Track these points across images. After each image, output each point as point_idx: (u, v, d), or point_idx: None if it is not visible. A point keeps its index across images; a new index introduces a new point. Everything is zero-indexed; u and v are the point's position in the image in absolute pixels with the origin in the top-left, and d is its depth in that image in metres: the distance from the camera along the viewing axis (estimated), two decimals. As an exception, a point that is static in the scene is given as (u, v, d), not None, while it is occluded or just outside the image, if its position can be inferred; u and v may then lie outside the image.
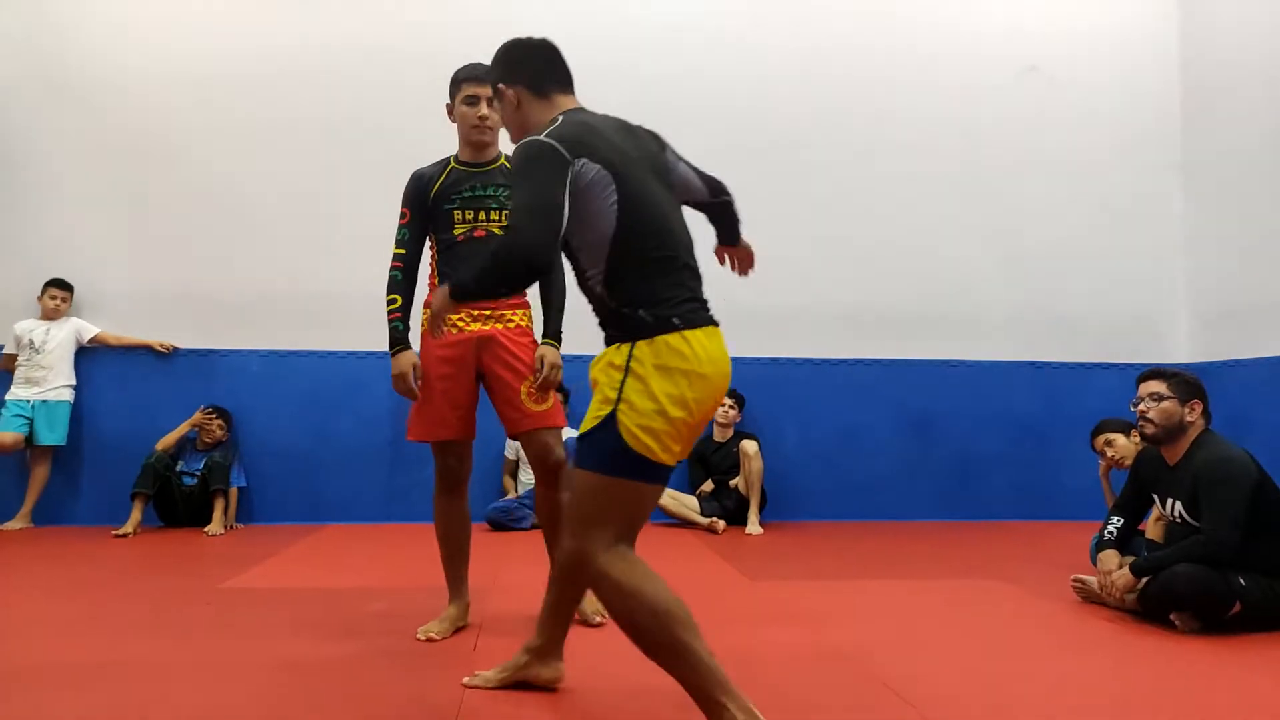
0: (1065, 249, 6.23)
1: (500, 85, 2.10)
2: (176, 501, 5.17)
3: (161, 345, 5.50)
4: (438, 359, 2.79)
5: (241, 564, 4.00)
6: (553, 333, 2.86)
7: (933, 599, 3.48)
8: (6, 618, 2.99)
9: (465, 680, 2.28)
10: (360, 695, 2.22)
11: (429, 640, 2.71)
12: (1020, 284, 6.19)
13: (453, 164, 2.90)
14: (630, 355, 1.84)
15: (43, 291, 5.32)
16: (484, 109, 2.79)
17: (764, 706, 2.14)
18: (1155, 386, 3.15)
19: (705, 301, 1.98)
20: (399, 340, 2.78)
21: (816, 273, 6.02)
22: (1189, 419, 3.11)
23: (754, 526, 5.27)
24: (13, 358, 5.30)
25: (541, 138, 1.88)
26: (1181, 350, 6.18)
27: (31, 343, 5.26)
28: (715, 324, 1.95)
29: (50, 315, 5.33)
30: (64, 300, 5.37)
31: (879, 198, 6.11)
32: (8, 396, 5.20)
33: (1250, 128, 5.77)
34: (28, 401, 5.19)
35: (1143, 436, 3.24)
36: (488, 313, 2.83)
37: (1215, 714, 2.18)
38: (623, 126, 2.06)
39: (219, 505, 5.09)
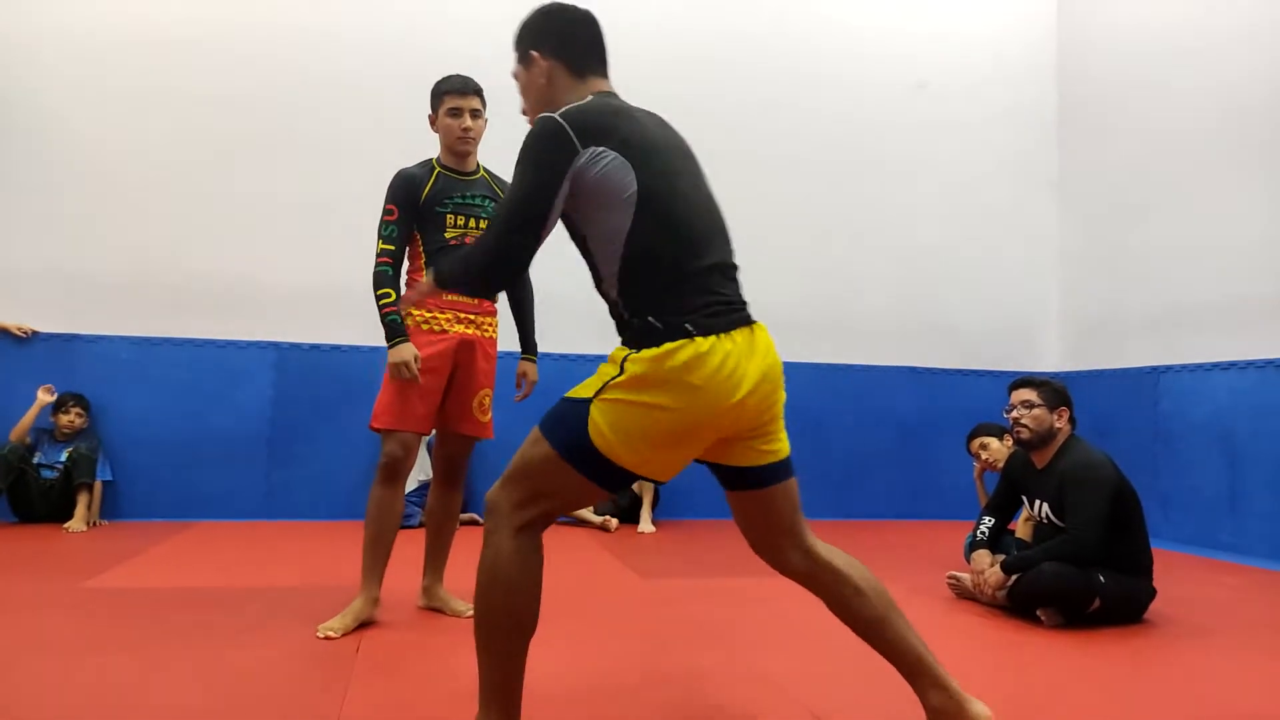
0: (948, 258, 6.51)
1: (533, 53, 1.90)
2: (33, 496, 4.82)
3: (18, 328, 5.12)
4: (423, 356, 2.86)
5: (106, 562, 3.76)
6: (532, 347, 3.11)
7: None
8: None
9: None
10: (232, 703, 2.11)
11: (327, 638, 2.65)
12: (904, 293, 6.43)
13: (438, 169, 2.99)
14: (628, 357, 1.71)
15: None
16: (467, 121, 2.93)
17: (644, 706, 2.15)
18: (1026, 394, 3.32)
19: (738, 302, 1.83)
20: (398, 333, 2.82)
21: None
22: (1057, 425, 3.29)
23: (646, 525, 5.30)
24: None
25: (554, 115, 1.73)
26: (1052, 359, 6.54)
27: None
28: (748, 324, 1.79)
29: None
30: None
31: (767, 201, 6.22)
32: None
33: (1121, 148, 6.15)
34: None
35: (1017, 441, 3.40)
36: (472, 317, 2.97)
37: (1076, 702, 2.30)
38: (657, 117, 1.93)
39: (82, 500, 4.78)
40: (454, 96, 2.92)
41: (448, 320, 2.92)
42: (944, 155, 6.56)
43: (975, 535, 3.51)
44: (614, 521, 5.29)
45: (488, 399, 3.01)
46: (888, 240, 6.44)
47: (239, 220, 5.40)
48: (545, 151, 1.71)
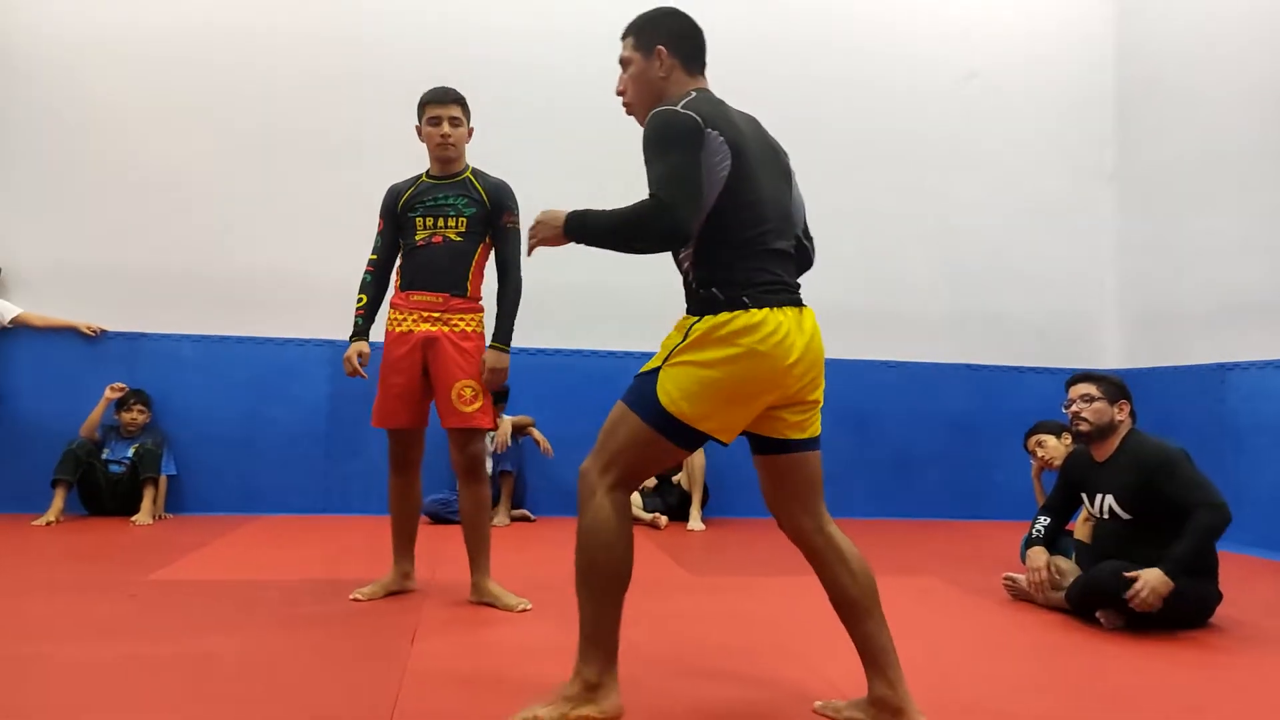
0: (1002, 253, 6.39)
1: (660, 47, 2.09)
2: (102, 489, 4.99)
3: (89, 328, 5.30)
4: (394, 357, 3.09)
5: (170, 555, 3.88)
6: (501, 336, 3.12)
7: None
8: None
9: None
10: (291, 692, 2.17)
11: (354, 601, 3.06)
12: (958, 287, 6.33)
13: (423, 178, 3.20)
14: (692, 326, 1.94)
15: None
16: (446, 128, 3.10)
17: (699, 699, 2.15)
18: (1085, 389, 3.27)
19: (791, 285, 2.02)
20: (357, 333, 3.15)
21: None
22: (1118, 418, 3.23)
23: (696, 522, 5.29)
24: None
25: (680, 108, 1.93)
26: (1111, 355, 6.39)
27: None
28: (797, 305, 1.99)
29: None
30: None
31: (819, 198, 6.12)
32: None
33: (1183, 138, 5.97)
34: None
35: (1077, 435, 3.34)
36: (437, 315, 3.08)
37: (1137, 707, 2.25)
38: (751, 117, 2.15)
39: (148, 494, 4.93)
40: (434, 106, 3.11)
41: (414, 320, 3.09)
42: (997, 146, 6.44)
43: (1031, 534, 3.44)
44: (663, 519, 5.30)
45: (468, 389, 3.06)
46: (939, 233, 6.34)
47: (296, 220, 5.52)
48: (688, 130, 1.90)
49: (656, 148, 1.91)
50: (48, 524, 4.66)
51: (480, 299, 3.20)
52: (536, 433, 5.46)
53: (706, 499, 5.47)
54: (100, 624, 2.72)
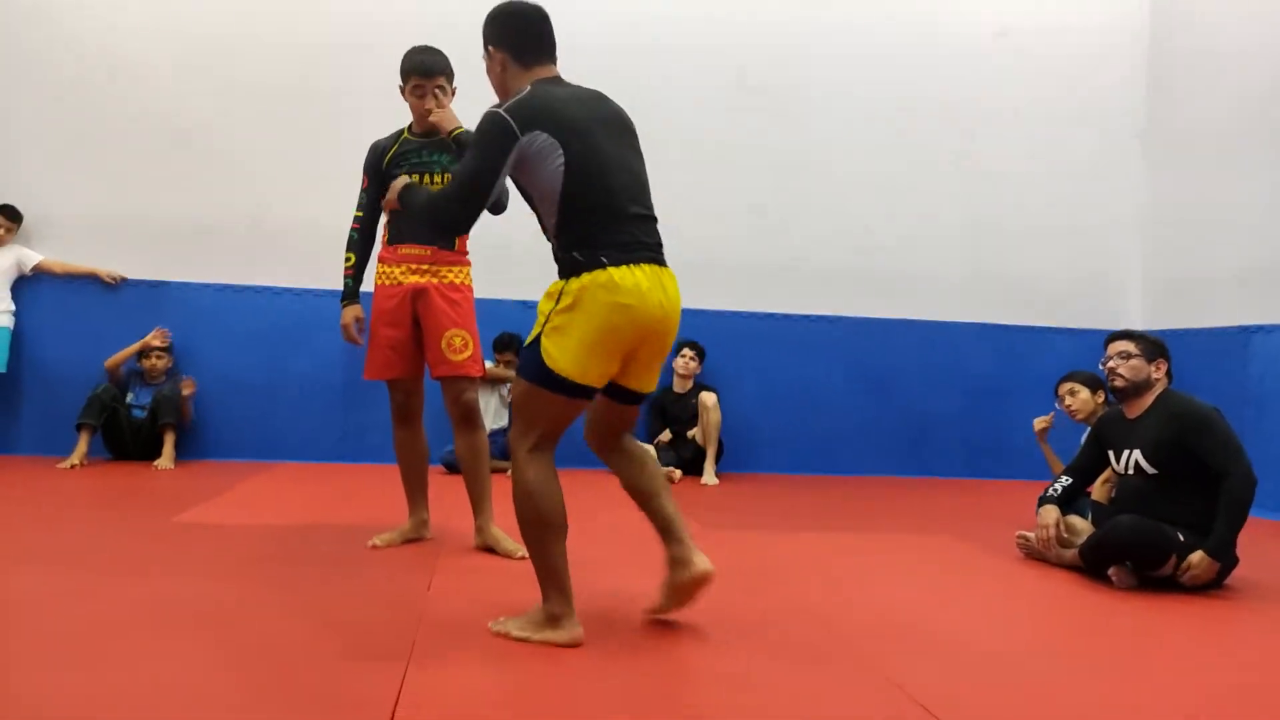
0: (1025, 212, 6.29)
1: (489, 47, 2.34)
2: (125, 434, 5.07)
3: (109, 275, 5.33)
4: (382, 309, 3.13)
5: (193, 499, 3.94)
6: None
7: (883, 553, 3.55)
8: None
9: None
10: (313, 635, 2.21)
11: (373, 548, 3.11)
12: (979, 246, 6.25)
13: (405, 134, 3.18)
14: (562, 290, 2.15)
15: None
16: (429, 102, 3.04)
17: (714, 655, 2.17)
18: (1123, 345, 3.25)
19: (650, 244, 2.23)
20: (348, 295, 3.20)
21: (779, 228, 6.01)
22: (1155, 376, 3.22)
23: (710, 477, 5.31)
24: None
25: (500, 111, 2.15)
26: (1135, 317, 6.30)
27: None
28: (656, 263, 2.22)
29: None
30: (9, 230, 5.16)
31: (841, 156, 6.09)
32: None
33: (1216, 100, 5.82)
34: (-28, 329, 5.02)
35: (1112, 390, 3.32)
36: (425, 268, 3.11)
37: (1146, 664, 2.26)
38: (592, 96, 2.30)
39: (169, 439, 5.00)
40: (417, 77, 3.05)
41: (401, 273, 3.12)
42: (1022, 103, 6.29)
43: (1047, 493, 3.44)
44: (677, 473, 5.32)
45: (457, 338, 3.09)
46: (962, 192, 6.24)
47: (315, 171, 5.49)
48: (493, 141, 2.15)
49: (471, 145, 2.21)
50: (71, 467, 4.74)
51: (467, 252, 3.21)
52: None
53: (721, 454, 5.49)
54: (127, 564, 2.78)
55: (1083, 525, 3.37)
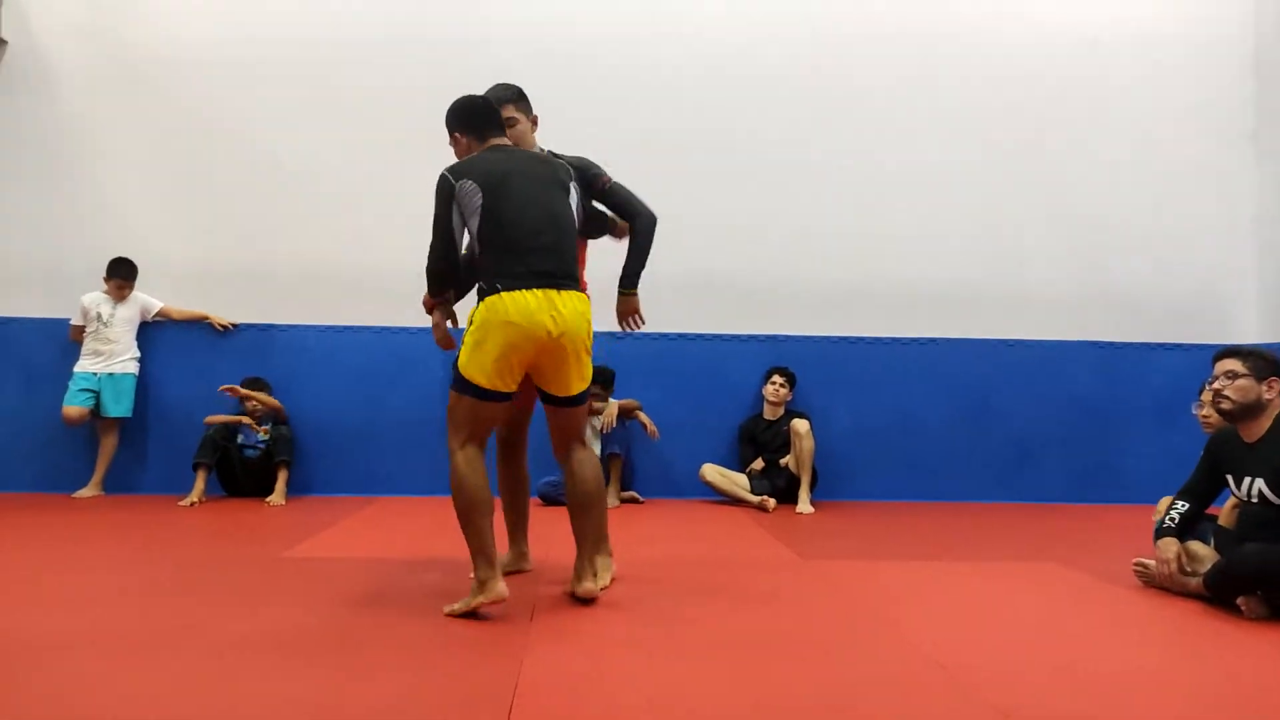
0: (1128, 224, 6.05)
1: (454, 134, 2.92)
2: (237, 472, 5.31)
3: (220, 324, 5.62)
4: None
5: (302, 534, 4.10)
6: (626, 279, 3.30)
7: (988, 581, 3.43)
8: (79, 583, 3.10)
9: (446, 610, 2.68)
10: (422, 665, 2.26)
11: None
12: (1081, 261, 6.03)
13: None
14: (472, 313, 2.70)
15: (109, 277, 5.41)
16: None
17: (812, 683, 2.13)
18: (1230, 365, 3.07)
19: (545, 271, 2.67)
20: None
21: (872, 250, 5.93)
22: (1267, 396, 3.02)
23: (805, 505, 5.24)
24: (80, 329, 5.44)
25: (444, 170, 2.77)
26: (1251, 330, 5.97)
27: (99, 316, 5.39)
28: (552, 288, 2.65)
29: (115, 295, 5.45)
30: (129, 288, 5.48)
31: (935, 173, 5.99)
32: (76, 369, 5.35)
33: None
34: (94, 374, 5.35)
35: (1220, 414, 3.14)
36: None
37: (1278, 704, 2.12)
38: (524, 155, 2.88)
39: (282, 476, 5.22)
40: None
41: None
42: (1124, 107, 6.08)
43: (1164, 522, 3.26)
44: (771, 501, 5.27)
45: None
46: (1060, 206, 6.05)
47: (412, 215, 5.66)
48: (439, 193, 2.76)
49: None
50: (191, 504, 4.99)
51: (585, 284, 3.21)
52: (643, 416, 5.50)
53: (816, 482, 5.41)
54: (247, 597, 2.90)
55: (1205, 552, 3.19)
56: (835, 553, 3.98)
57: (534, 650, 2.36)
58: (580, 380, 2.80)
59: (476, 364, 2.65)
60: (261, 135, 5.75)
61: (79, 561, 3.47)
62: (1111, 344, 5.99)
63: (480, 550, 2.64)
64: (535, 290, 2.63)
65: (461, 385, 2.69)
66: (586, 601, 2.80)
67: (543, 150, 3.23)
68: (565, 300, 2.68)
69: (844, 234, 5.92)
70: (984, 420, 5.90)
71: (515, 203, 2.70)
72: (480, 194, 2.69)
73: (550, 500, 5.26)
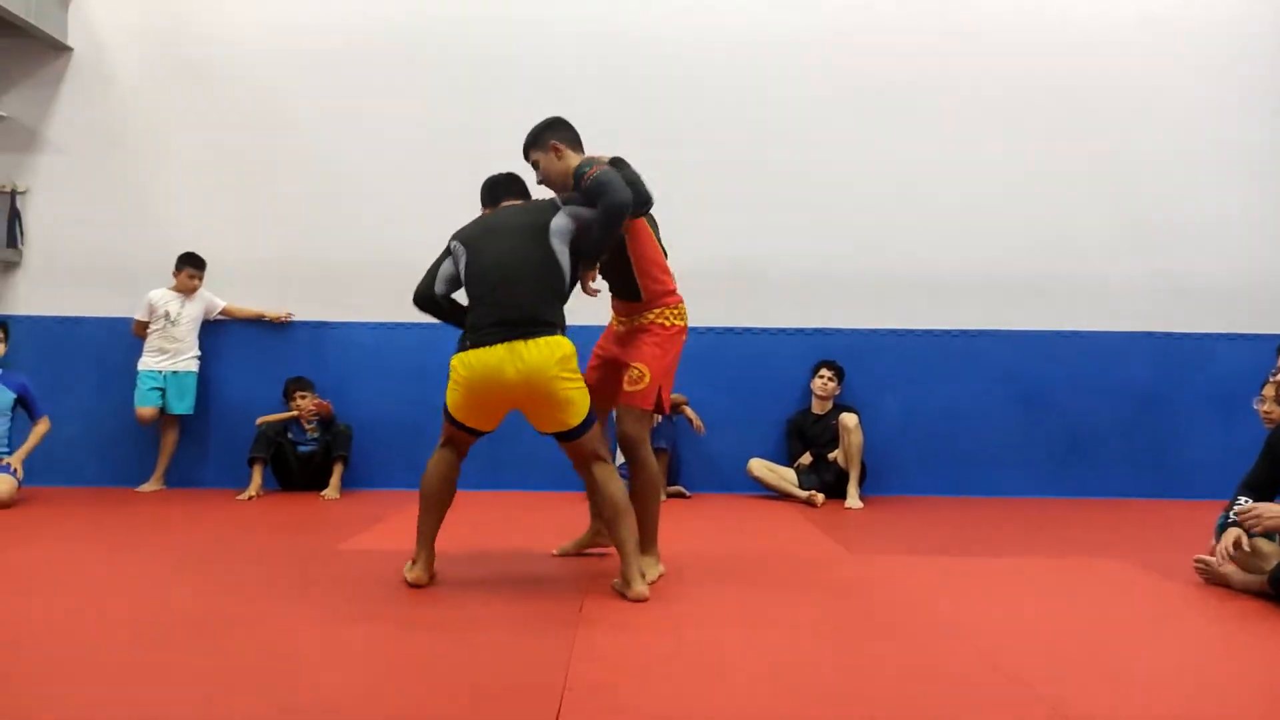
0: (1187, 211, 5.89)
1: (484, 206, 3.32)
2: (292, 467, 5.44)
3: (276, 316, 5.74)
4: None
5: (357, 526, 4.19)
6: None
7: (1041, 577, 3.38)
8: (141, 573, 3.21)
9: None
10: (470, 646, 2.31)
11: (555, 555, 3.51)
12: (1138, 250, 5.89)
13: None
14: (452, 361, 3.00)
15: (179, 269, 5.53)
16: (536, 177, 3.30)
17: (861, 677, 2.13)
18: (1292, 357, 2.97)
19: (510, 322, 2.87)
20: None
21: (920, 239, 5.86)
22: (1330, 391, 2.93)
23: (854, 500, 5.20)
24: (143, 325, 5.58)
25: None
26: (1319, 319, 5.78)
27: (167, 314, 5.52)
28: (515, 339, 2.85)
29: (185, 290, 5.58)
30: (199, 279, 5.61)
31: (985, 159, 5.89)
32: (140, 366, 5.51)
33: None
34: (160, 372, 5.51)
35: (1283, 405, 3.05)
36: (622, 319, 3.30)
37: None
38: (508, 210, 3.15)
39: (338, 471, 5.33)
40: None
41: (613, 321, 3.38)
42: (1180, 89, 5.92)
43: (1227, 515, 3.18)
44: (820, 496, 5.24)
45: (634, 371, 3.13)
46: (1115, 189, 5.90)
47: (460, 213, 5.76)
48: (443, 252, 3.18)
49: None
50: (249, 498, 5.12)
51: (661, 296, 3.20)
52: (689, 411, 5.51)
53: (864, 477, 5.37)
54: (305, 586, 2.98)
55: (1270, 549, 3.10)
56: (884, 548, 3.95)
57: (583, 636, 2.39)
58: (562, 418, 2.91)
59: (452, 401, 2.97)
60: (317, 132, 5.86)
61: (146, 550, 3.59)
62: (1169, 334, 5.85)
63: (424, 535, 3.03)
64: (498, 346, 2.84)
65: (445, 411, 3.03)
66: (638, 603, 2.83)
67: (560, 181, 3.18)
68: (529, 348, 2.84)
69: (892, 224, 5.85)
70: (1036, 413, 5.80)
71: (487, 258, 2.97)
72: (465, 253, 3.03)
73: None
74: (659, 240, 3.27)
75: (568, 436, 2.96)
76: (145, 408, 5.42)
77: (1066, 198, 5.89)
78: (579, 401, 2.91)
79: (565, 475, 5.55)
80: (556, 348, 2.87)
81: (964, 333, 5.84)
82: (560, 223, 2.99)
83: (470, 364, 2.88)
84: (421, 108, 5.86)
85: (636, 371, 3.12)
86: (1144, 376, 5.81)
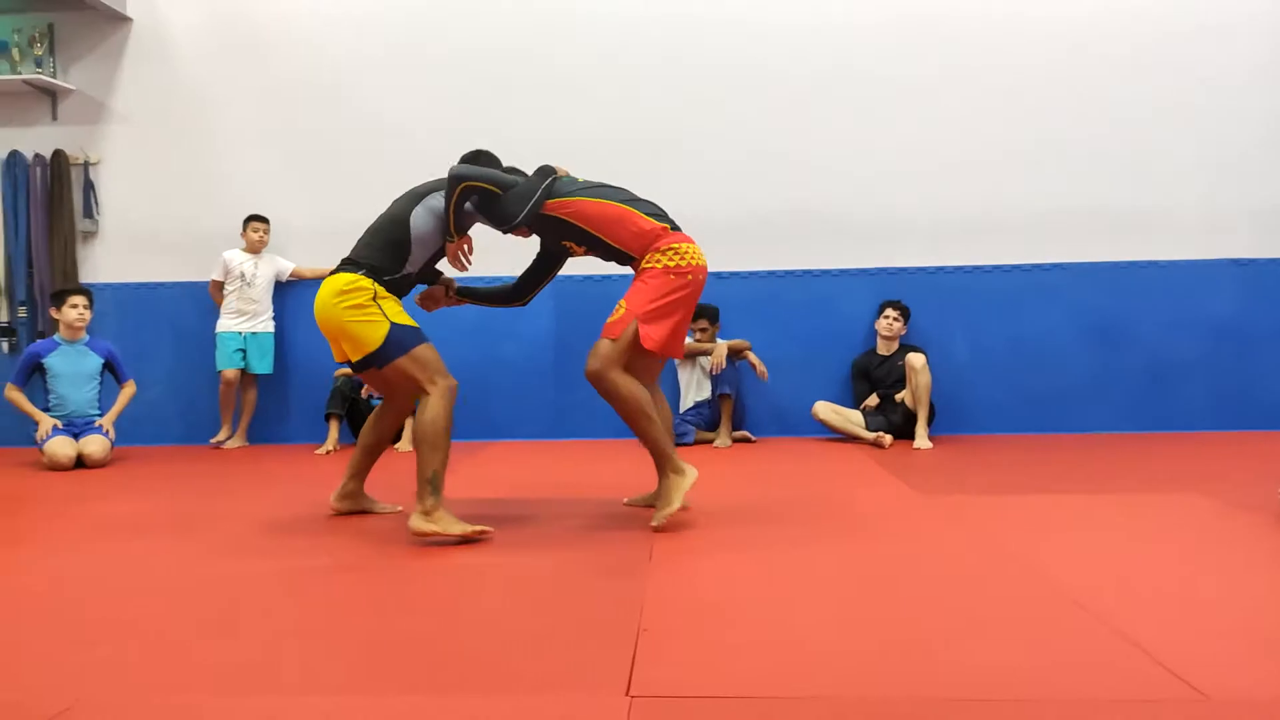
0: (1270, 130, 5.57)
1: None
2: (365, 421, 5.57)
3: (343, 277, 5.85)
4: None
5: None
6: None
7: (1121, 513, 3.31)
8: (227, 530, 3.35)
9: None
10: (545, 597, 2.36)
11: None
12: (1217, 172, 5.61)
13: None
14: None
15: (245, 226, 5.69)
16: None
17: (940, 620, 2.12)
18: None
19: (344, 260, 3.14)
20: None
21: (984, 174, 5.67)
22: None
23: (922, 441, 5.14)
24: (219, 285, 5.75)
25: None
26: None
27: (243, 275, 5.69)
28: (334, 272, 3.10)
29: (254, 248, 5.72)
30: (265, 232, 5.75)
31: (1051, 88, 5.66)
32: (219, 329, 5.69)
33: None
34: (240, 334, 5.68)
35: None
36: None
37: None
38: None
39: (408, 424, 5.45)
40: None
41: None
42: (1257, 12, 5.57)
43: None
44: (887, 438, 5.19)
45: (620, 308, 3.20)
46: (1194, 112, 5.62)
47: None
48: None
49: None
50: (327, 453, 5.29)
51: (645, 247, 3.23)
52: (753, 356, 5.48)
53: (933, 416, 5.29)
54: (377, 537, 3.08)
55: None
56: (956, 488, 3.90)
57: (655, 580, 2.42)
58: (346, 348, 3.07)
59: None
60: (373, 92, 5.89)
61: (234, 501, 3.75)
62: (1253, 260, 5.59)
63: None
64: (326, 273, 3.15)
65: None
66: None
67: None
68: (326, 283, 3.05)
69: (953, 159, 5.68)
70: (1112, 346, 5.63)
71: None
72: None
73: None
74: (619, 198, 3.27)
75: (356, 367, 3.10)
76: (230, 370, 5.61)
77: (1142, 122, 5.63)
78: (362, 335, 2.99)
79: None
80: (339, 281, 3.02)
81: (1036, 267, 5.67)
82: (435, 202, 3.22)
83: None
84: (477, 65, 5.84)
85: (618, 307, 3.20)
86: (1226, 307, 5.59)
